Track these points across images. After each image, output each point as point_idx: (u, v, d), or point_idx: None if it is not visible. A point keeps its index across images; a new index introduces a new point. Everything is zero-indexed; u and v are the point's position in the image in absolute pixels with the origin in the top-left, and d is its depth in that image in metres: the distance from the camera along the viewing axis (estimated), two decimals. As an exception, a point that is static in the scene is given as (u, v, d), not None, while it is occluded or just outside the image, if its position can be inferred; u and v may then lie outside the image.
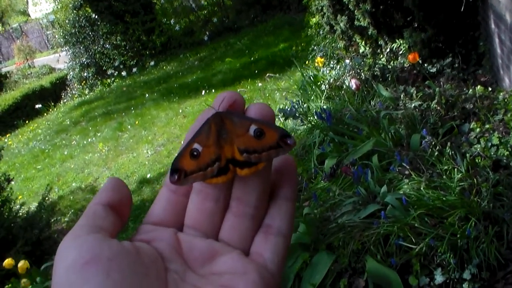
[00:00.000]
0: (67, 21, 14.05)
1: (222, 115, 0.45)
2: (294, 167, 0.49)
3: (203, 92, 8.90)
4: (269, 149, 0.44)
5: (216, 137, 0.45)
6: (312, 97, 4.91)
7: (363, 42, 5.44)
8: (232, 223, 0.46)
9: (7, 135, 12.20)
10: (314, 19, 7.12)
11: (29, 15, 32.98)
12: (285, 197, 0.47)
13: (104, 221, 0.43)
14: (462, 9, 3.84)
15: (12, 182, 5.18)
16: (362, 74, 4.56)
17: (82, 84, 14.14)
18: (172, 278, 0.42)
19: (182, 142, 0.48)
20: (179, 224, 0.47)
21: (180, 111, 8.55)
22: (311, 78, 5.23)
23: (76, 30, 13.91)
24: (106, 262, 0.38)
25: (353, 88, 4.02)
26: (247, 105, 0.47)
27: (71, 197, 6.60)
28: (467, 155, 2.99)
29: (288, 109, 4.32)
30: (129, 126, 8.83)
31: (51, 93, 14.51)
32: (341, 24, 5.42)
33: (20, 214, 4.85)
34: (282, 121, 4.60)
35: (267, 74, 7.42)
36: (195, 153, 0.45)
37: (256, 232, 0.47)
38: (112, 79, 13.60)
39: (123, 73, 13.41)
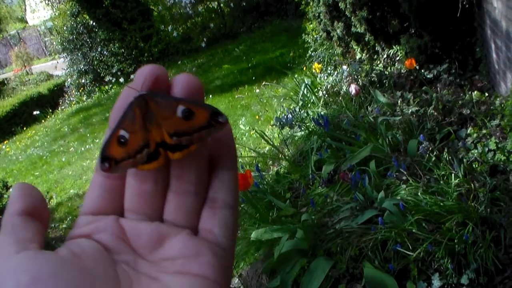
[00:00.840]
0: (64, 28, 14.08)
1: (146, 97, 0.42)
2: (231, 134, 0.46)
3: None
4: (200, 129, 0.41)
5: (142, 122, 0.42)
6: (310, 104, 4.92)
7: (360, 48, 5.46)
8: (176, 203, 0.44)
9: (5, 142, 12.20)
10: (311, 25, 7.15)
11: (27, 22, 33.04)
12: (225, 167, 0.45)
13: (27, 232, 0.39)
14: (458, 15, 3.86)
15: (11, 190, 5.16)
16: (359, 80, 4.58)
17: (80, 90, 14.15)
18: (122, 270, 0.40)
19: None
20: (118, 210, 0.44)
21: (178, 117, 8.53)
22: (309, 84, 5.24)
23: (74, 37, 13.93)
24: (48, 280, 0.35)
25: (352, 94, 4.03)
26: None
27: (69, 204, 6.58)
28: (464, 160, 3.00)
29: (285, 117, 4.32)
30: (127, 133, 8.81)
31: (49, 100, 14.52)
32: (338, 31, 5.44)
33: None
34: (279, 129, 4.61)
35: (264, 83, 7.43)
36: (122, 140, 0.43)
37: (201, 207, 0.44)
38: (110, 85, 13.62)
39: (121, 80, 13.41)
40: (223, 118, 0.42)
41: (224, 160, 0.45)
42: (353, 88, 4.00)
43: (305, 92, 5.11)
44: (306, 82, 5.26)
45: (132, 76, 13.05)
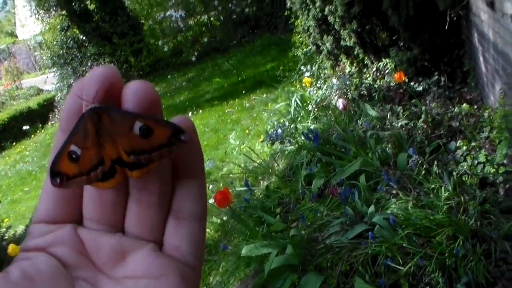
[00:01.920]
0: (54, 43, 14.07)
1: (99, 111, 0.38)
2: (197, 139, 0.42)
3: (190, 113, 8.90)
4: (160, 147, 0.38)
5: (95, 137, 0.38)
6: (300, 118, 4.93)
7: (349, 61, 5.48)
8: (138, 214, 0.40)
9: (-6, 157, 12.12)
10: (300, 38, 7.17)
11: (16, 37, 33.00)
12: (192, 175, 0.42)
13: None
14: (446, 28, 3.87)
15: (-1, 205, 5.13)
16: (348, 93, 4.58)
17: (70, 105, 14.09)
18: None
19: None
20: (76, 218, 0.41)
21: (168, 131, 8.53)
22: (298, 98, 5.24)
23: (64, 51, 13.92)
24: None
25: (340, 108, 4.03)
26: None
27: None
28: (454, 173, 3.00)
29: (274, 132, 4.33)
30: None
31: (39, 115, 14.44)
32: (327, 44, 5.46)
33: (6, 237, 4.78)
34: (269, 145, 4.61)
35: (253, 97, 7.42)
36: (73, 156, 0.39)
37: (166, 219, 0.41)
38: (100, 100, 13.58)
39: (111, 94, 13.38)
40: (185, 136, 0.38)
41: (190, 168, 0.42)
42: (340, 103, 4.00)
43: (294, 106, 5.11)
44: (295, 98, 5.25)
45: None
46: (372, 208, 2.85)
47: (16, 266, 0.36)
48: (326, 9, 4.84)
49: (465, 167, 3.09)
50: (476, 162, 3.10)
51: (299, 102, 5.13)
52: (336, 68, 5.76)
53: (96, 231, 0.40)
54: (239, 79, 10.10)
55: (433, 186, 2.86)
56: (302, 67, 6.94)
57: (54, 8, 14.05)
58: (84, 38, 13.77)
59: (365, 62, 5.23)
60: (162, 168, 0.40)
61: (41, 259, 0.37)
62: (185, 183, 0.42)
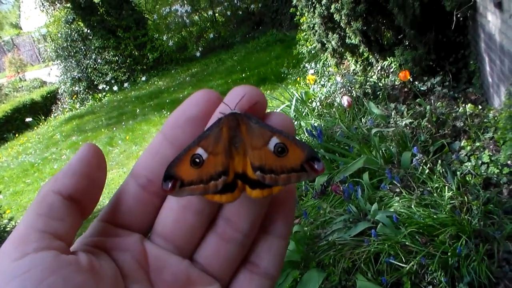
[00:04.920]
0: (59, 35, 14.06)
1: (239, 118, 0.36)
2: (294, 198, 0.41)
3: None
4: (290, 171, 0.35)
5: (227, 144, 0.36)
6: (303, 114, 4.92)
7: (354, 59, 5.47)
8: (216, 247, 0.38)
9: (-4, 149, 12.13)
10: (305, 36, 7.16)
11: (21, 28, 33.01)
12: (278, 235, 0.40)
13: (62, 223, 0.32)
14: (452, 28, 3.87)
15: (0, 196, 5.13)
16: (353, 91, 4.58)
17: (73, 98, 14.11)
18: None
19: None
20: (145, 229, 0.38)
21: (171, 126, 8.52)
22: (302, 95, 5.23)
23: (68, 44, 13.91)
24: None
25: (345, 106, 4.02)
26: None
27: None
28: (458, 173, 3.00)
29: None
30: (119, 141, 8.79)
31: (42, 107, 14.47)
32: (333, 42, 5.45)
33: (8, 229, 4.79)
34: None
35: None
36: (197, 160, 0.36)
37: (240, 262, 0.39)
38: (104, 93, 13.59)
39: (115, 88, 13.40)
40: (319, 166, 0.35)
41: (279, 226, 0.40)
42: (345, 100, 3.99)
43: (297, 104, 5.11)
44: (298, 95, 5.24)
45: (126, 84, 13.04)
46: (375, 206, 2.85)
47: (85, 254, 0.34)
48: (332, 6, 4.83)
49: (469, 167, 3.09)
50: (480, 162, 3.10)
51: (303, 98, 5.12)
52: (341, 66, 5.75)
53: (163, 250, 0.37)
54: (243, 75, 10.09)
55: (436, 185, 2.86)
56: (306, 65, 6.94)
57: (59, 0, 14.05)
58: (88, 31, 13.75)
59: (370, 60, 5.23)
60: (259, 207, 0.38)
61: (103, 258, 0.35)
62: (269, 241, 0.40)
